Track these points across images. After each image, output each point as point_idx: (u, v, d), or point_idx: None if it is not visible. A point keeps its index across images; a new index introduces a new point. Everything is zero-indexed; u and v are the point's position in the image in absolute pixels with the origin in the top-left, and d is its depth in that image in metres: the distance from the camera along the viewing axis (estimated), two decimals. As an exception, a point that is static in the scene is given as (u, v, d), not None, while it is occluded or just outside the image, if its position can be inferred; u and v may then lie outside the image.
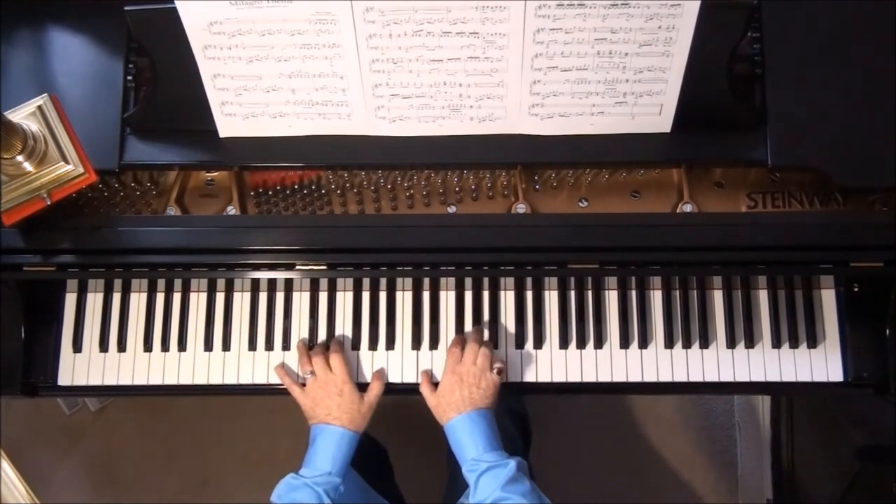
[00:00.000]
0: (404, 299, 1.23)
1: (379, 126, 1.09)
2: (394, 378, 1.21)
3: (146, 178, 1.19)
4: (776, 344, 1.19)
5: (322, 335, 1.21)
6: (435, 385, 1.16)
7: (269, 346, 1.21)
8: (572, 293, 1.22)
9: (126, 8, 1.01)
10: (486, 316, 1.21)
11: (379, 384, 1.17)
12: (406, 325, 1.22)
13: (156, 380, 1.21)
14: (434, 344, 1.21)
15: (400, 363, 1.21)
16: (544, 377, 1.20)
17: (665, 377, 1.20)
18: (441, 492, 1.35)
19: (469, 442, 1.08)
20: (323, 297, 1.23)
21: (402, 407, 2.00)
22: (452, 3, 0.96)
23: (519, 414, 1.42)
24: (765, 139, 1.08)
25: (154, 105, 1.09)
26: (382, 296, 1.23)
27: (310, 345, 1.21)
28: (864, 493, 1.46)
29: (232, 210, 1.18)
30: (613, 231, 1.09)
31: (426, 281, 1.22)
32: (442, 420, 1.12)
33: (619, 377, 1.20)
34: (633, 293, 1.22)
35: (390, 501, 1.25)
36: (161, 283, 1.23)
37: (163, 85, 1.07)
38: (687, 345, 1.20)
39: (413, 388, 1.20)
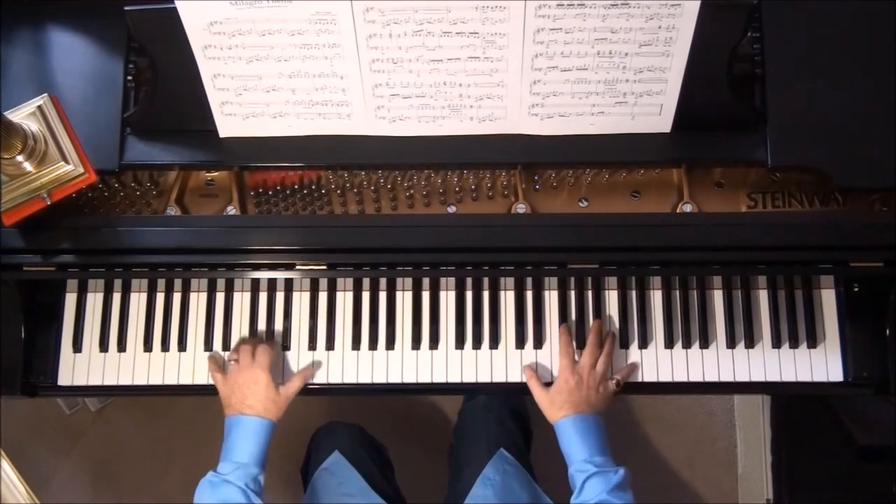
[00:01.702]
0: (404, 299, 1.23)
1: (379, 126, 1.09)
2: (394, 378, 1.21)
3: (146, 178, 1.19)
4: (776, 344, 1.19)
5: (322, 335, 1.21)
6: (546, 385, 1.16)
7: (269, 346, 1.21)
8: (572, 293, 1.22)
9: (126, 8, 1.01)
10: (486, 316, 1.21)
11: (300, 380, 1.17)
12: (406, 325, 1.22)
13: (156, 380, 1.21)
14: (434, 344, 1.21)
15: (400, 363, 1.21)
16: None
17: (665, 377, 1.20)
18: (442, 491, 1.35)
19: (581, 443, 1.08)
20: (323, 297, 1.23)
21: (403, 407, 2.01)
22: (452, 3, 0.96)
23: (520, 413, 1.42)
24: (765, 139, 1.08)
25: (154, 105, 1.09)
26: (382, 296, 1.23)
27: (313, 345, 1.21)
28: (864, 493, 1.46)
29: (232, 210, 1.18)
30: (613, 231, 1.09)
31: (426, 281, 1.22)
32: (555, 417, 1.12)
33: (620, 377, 1.20)
34: (633, 293, 1.22)
35: (390, 501, 1.25)
36: (161, 283, 1.23)
37: (163, 85, 1.07)
38: (687, 345, 1.20)
39: (414, 388, 1.20)
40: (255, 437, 1.09)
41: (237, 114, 1.08)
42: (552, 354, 1.20)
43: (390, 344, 1.21)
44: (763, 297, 1.21)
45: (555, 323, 1.21)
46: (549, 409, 1.13)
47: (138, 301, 1.23)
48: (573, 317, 1.21)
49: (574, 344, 1.19)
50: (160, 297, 1.23)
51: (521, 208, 1.16)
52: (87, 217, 1.15)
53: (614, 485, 1.04)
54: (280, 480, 1.94)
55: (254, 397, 1.11)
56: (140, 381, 1.21)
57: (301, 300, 1.23)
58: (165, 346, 1.22)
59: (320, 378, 1.21)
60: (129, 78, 1.11)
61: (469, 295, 1.22)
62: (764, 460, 1.90)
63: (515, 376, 1.20)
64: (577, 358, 1.16)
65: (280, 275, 1.17)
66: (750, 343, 1.19)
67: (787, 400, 1.77)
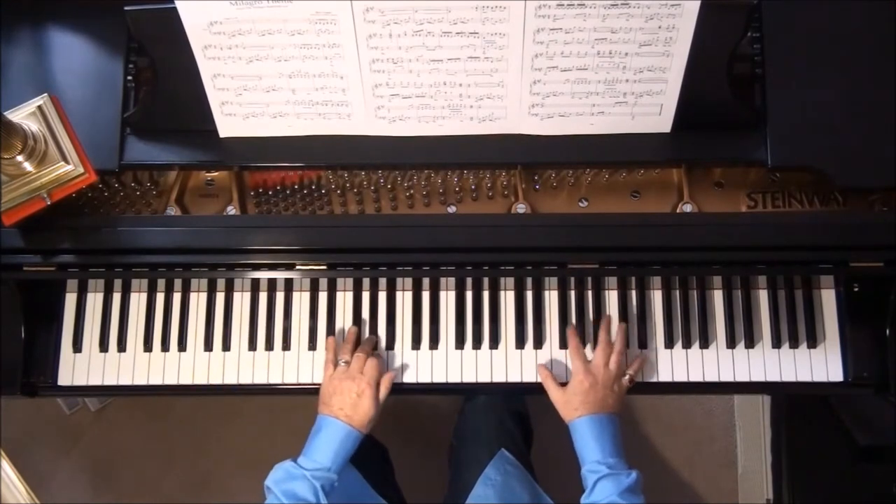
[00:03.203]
0: (404, 299, 1.23)
1: (379, 126, 1.09)
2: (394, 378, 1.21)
3: (146, 178, 1.19)
4: (776, 344, 1.19)
5: (322, 335, 1.21)
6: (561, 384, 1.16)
7: (270, 346, 1.21)
8: (572, 293, 1.22)
9: (126, 8, 1.01)
10: (486, 316, 1.21)
11: (386, 391, 1.16)
12: (406, 325, 1.22)
13: (156, 380, 1.21)
14: (434, 344, 1.21)
15: (400, 363, 1.21)
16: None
17: (665, 377, 1.20)
18: (442, 491, 1.35)
19: (595, 444, 1.08)
20: (323, 297, 1.23)
21: (403, 407, 2.01)
22: (452, 3, 0.96)
23: (520, 413, 1.42)
24: (765, 139, 1.08)
25: (154, 105, 1.09)
26: (382, 296, 1.23)
27: (313, 345, 1.21)
28: (864, 493, 1.46)
29: (232, 210, 1.18)
30: (613, 231, 1.09)
31: (426, 281, 1.22)
32: (570, 416, 1.11)
33: (619, 377, 1.20)
34: (633, 293, 1.22)
35: (390, 501, 1.25)
36: (161, 283, 1.23)
37: (163, 85, 1.07)
38: (687, 345, 1.20)
39: (413, 389, 1.20)
40: (343, 445, 1.09)
41: (237, 114, 1.08)
42: (552, 354, 1.20)
43: (390, 344, 1.21)
44: (763, 297, 1.21)
45: (555, 323, 1.21)
46: (564, 408, 1.13)
47: (138, 301, 1.23)
48: (573, 317, 1.21)
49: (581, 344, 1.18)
50: (160, 297, 1.23)
51: (521, 208, 1.16)
52: (87, 217, 1.15)
53: (625, 488, 1.04)
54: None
55: (353, 408, 1.11)
56: (140, 381, 1.21)
57: (301, 300, 1.23)
58: (165, 346, 1.22)
59: (320, 378, 1.20)
60: (129, 78, 1.11)
61: (469, 295, 1.22)
62: (764, 460, 1.90)
63: (515, 376, 1.20)
64: (588, 357, 1.16)
65: (280, 275, 1.17)
66: (750, 343, 1.19)
67: (787, 400, 1.77)
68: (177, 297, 1.23)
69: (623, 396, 1.14)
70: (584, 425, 1.09)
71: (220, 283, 1.23)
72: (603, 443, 1.08)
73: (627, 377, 1.15)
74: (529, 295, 1.22)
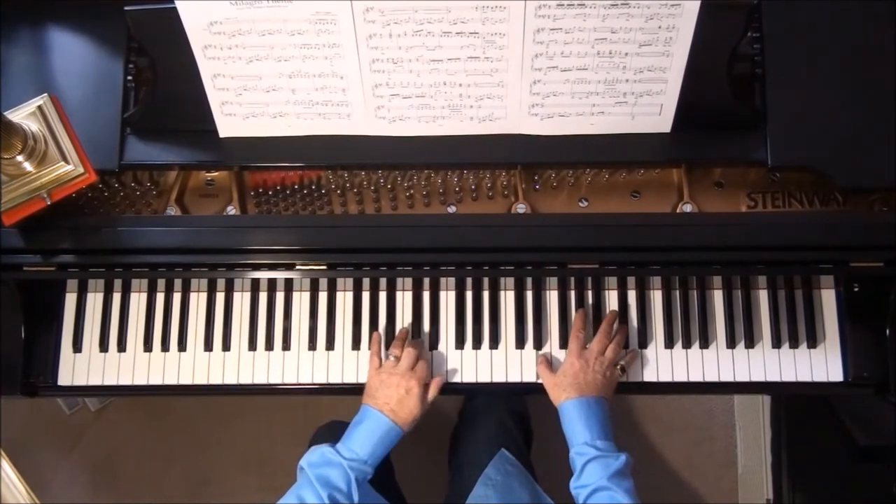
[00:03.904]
0: (404, 299, 1.23)
1: (379, 126, 1.09)
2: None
3: (146, 178, 1.19)
4: (776, 344, 1.19)
5: (322, 335, 1.21)
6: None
7: (270, 346, 1.21)
8: (572, 293, 1.22)
9: (126, 8, 1.01)
10: (486, 316, 1.21)
11: (435, 392, 1.16)
12: (406, 325, 1.22)
13: (156, 380, 1.21)
14: (434, 344, 1.21)
15: (400, 363, 1.21)
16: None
17: (665, 377, 1.20)
18: (442, 491, 1.35)
19: (583, 426, 1.07)
20: (323, 297, 1.23)
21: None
22: (452, 3, 0.96)
23: (520, 413, 1.42)
24: (765, 139, 1.08)
25: (154, 105, 1.09)
26: (382, 296, 1.23)
27: (313, 345, 1.21)
28: (864, 493, 1.46)
29: (232, 210, 1.18)
30: (613, 231, 1.09)
31: (426, 281, 1.22)
32: (558, 399, 1.11)
33: (619, 377, 1.20)
34: (633, 293, 1.22)
35: (390, 500, 1.25)
36: (161, 283, 1.23)
37: (163, 85, 1.07)
38: (687, 345, 1.20)
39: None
40: (384, 440, 1.09)
41: (237, 114, 1.08)
42: (552, 354, 1.20)
43: (390, 344, 1.21)
44: (763, 297, 1.21)
45: (555, 323, 1.21)
46: (553, 390, 1.13)
47: (138, 301, 1.23)
48: (573, 317, 1.21)
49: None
50: (160, 297, 1.23)
51: (521, 208, 1.16)
52: (87, 217, 1.15)
53: (614, 471, 1.02)
54: (281, 480, 1.95)
55: (400, 404, 1.10)
56: (140, 381, 1.21)
57: (301, 300, 1.23)
58: (165, 347, 1.22)
59: (320, 378, 1.21)
60: (129, 78, 1.11)
61: (469, 295, 1.22)
62: (764, 460, 1.90)
63: (515, 376, 1.20)
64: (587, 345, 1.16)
65: (280, 275, 1.17)
66: (750, 343, 1.19)
67: (787, 400, 1.77)
68: (177, 297, 1.23)
69: (614, 385, 1.14)
70: (572, 407, 1.09)
71: (220, 283, 1.23)
72: (591, 425, 1.07)
73: (619, 366, 1.15)
74: (529, 295, 1.22)
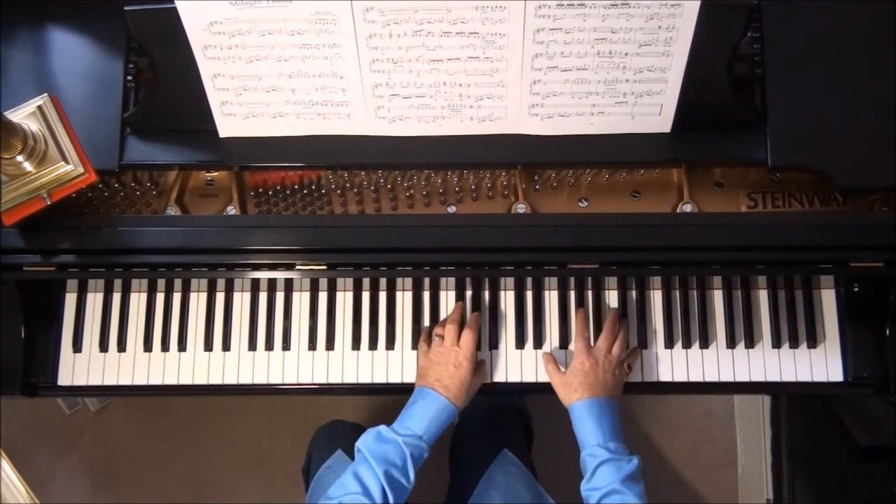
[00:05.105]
0: (404, 299, 1.23)
1: (379, 126, 1.09)
2: (394, 378, 1.21)
3: (146, 178, 1.19)
4: (776, 344, 1.19)
5: (322, 335, 1.21)
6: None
7: (269, 346, 1.21)
8: (572, 293, 1.22)
9: (126, 8, 1.01)
10: (486, 316, 1.21)
11: (482, 375, 1.17)
12: (406, 325, 1.22)
13: (156, 380, 1.21)
14: (434, 344, 1.21)
15: (400, 363, 1.21)
16: (544, 377, 1.19)
17: (665, 377, 1.20)
18: (442, 491, 1.35)
19: (595, 427, 1.06)
20: (323, 297, 1.23)
21: (403, 407, 2.01)
22: (452, 3, 0.96)
23: (521, 413, 1.42)
24: (765, 139, 1.08)
25: (154, 105, 1.09)
26: (382, 296, 1.23)
27: (313, 345, 1.21)
28: (864, 494, 1.46)
29: (232, 210, 1.18)
30: (613, 231, 1.09)
31: (426, 281, 1.22)
32: (569, 399, 1.11)
33: (619, 377, 1.20)
34: (633, 293, 1.22)
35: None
36: (161, 283, 1.23)
37: (163, 85, 1.07)
38: (687, 345, 1.20)
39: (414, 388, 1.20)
40: (438, 416, 1.08)
41: (237, 114, 1.08)
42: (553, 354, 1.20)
43: (390, 344, 1.21)
44: (763, 297, 1.21)
45: (555, 323, 1.21)
46: (563, 390, 1.12)
47: (138, 301, 1.23)
48: (573, 317, 1.21)
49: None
50: (160, 297, 1.23)
51: (521, 208, 1.16)
52: (87, 217, 1.15)
53: (627, 474, 1.03)
54: (281, 480, 1.95)
55: (450, 379, 1.10)
56: (140, 381, 1.21)
57: (301, 300, 1.23)
58: (165, 346, 1.22)
59: (320, 378, 1.21)
60: (129, 78, 1.11)
61: (469, 295, 1.22)
62: (764, 460, 1.90)
63: (515, 376, 1.20)
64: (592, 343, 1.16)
65: (280, 275, 1.17)
66: (750, 343, 1.19)
67: (787, 400, 1.77)
68: (177, 297, 1.23)
69: (622, 384, 1.14)
70: (583, 408, 1.08)
71: (220, 283, 1.23)
72: (603, 426, 1.07)
73: (626, 364, 1.15)
74: (529, 295, 1.22)
